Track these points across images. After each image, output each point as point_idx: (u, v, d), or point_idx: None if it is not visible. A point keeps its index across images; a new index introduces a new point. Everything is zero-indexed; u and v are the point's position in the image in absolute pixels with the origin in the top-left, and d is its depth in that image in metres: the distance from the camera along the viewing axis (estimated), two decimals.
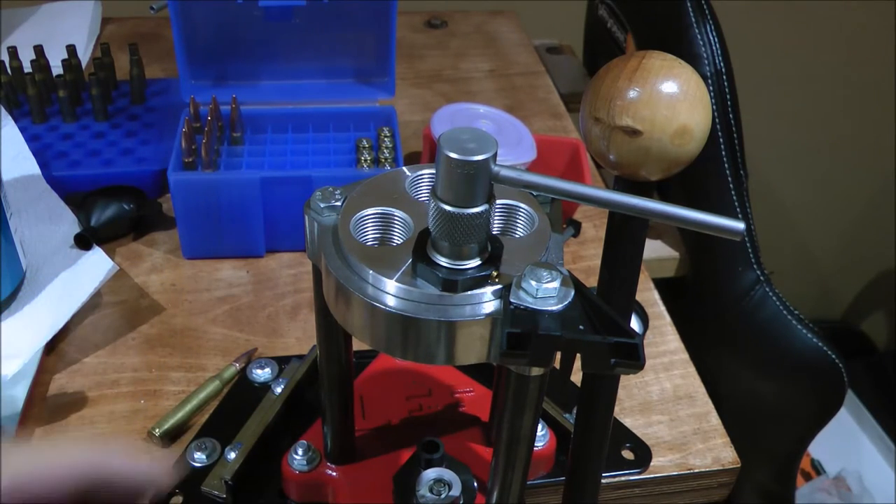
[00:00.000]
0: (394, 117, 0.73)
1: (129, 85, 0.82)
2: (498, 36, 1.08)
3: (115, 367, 0.59)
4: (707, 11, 0.79)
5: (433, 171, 0.35)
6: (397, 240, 0.36)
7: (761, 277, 0.82)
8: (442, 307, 0.33)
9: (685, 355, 0.63)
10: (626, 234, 0.36)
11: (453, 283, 0.32)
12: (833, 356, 0.82)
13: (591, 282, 0.40)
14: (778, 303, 0.82)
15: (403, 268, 0.33)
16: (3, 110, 0.72)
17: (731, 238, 0.29)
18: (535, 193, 0.33)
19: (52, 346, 0.60)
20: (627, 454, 0.55)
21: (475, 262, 0.33)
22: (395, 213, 0.36)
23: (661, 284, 0.74)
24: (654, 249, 0.84)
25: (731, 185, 0.80)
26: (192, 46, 0.73)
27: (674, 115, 0.30)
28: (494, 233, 0.36)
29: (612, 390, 0.39)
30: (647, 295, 0.68)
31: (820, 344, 0.82)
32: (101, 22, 1.00)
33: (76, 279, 0.61)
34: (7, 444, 0.31)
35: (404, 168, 0.38)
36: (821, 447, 1.33)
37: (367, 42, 0.76)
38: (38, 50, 0.81)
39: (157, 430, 0.53)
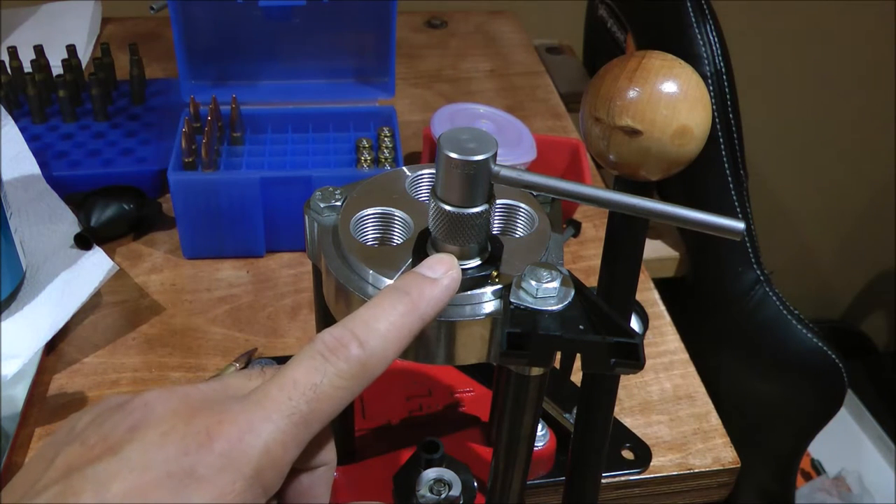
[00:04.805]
0: (394, 117, 0.73)
1: (129, 85, 0.82)
2: (498, 36, 1.07)
3: (115, 367, 0.59)
4: (707, 11, 0.78)
5: (433, 171, 0.35)
6: (397, 240, 0.36)
7: (761, 277, 0.82)
8: None
9: (685, 355, 0.63)
10: (626, 234, 0.36)
11: None
12: (833, 356, 0.82)
13: (591, 282, 0.40)
14: (778, 303, 0.82)
15: (403, 268, 0.33)
16: (3, 110, 0.72)
17: (731, 238, 0.29)
18: (535, 193, 0.33)
19: (52, 346, 0.60)
20: (627, 454, 0.55)
21: (475, 262, 0.33)
22: (395, 213, 0.36)
23: (661, 284, 0.74)
24: (654, 249, 0.84)
25: (731, 185, 0.80)
26: (192, 46, 0.73)
27: (674, 115, 0.30)
28: (494, 233, 0.36)
29: (612, 390, 0.39)
30: (647, 295, 0.68)
31: (820, 344, 0.82)
32: (101, 22, 1.00)
33: (76, 279, 0.61)
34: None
35: (404, 168, 0.38)
36: (821, 447, 1.33)
37: (367, 42, 0.76)
38: (38, 50, 0.81)
39: None
